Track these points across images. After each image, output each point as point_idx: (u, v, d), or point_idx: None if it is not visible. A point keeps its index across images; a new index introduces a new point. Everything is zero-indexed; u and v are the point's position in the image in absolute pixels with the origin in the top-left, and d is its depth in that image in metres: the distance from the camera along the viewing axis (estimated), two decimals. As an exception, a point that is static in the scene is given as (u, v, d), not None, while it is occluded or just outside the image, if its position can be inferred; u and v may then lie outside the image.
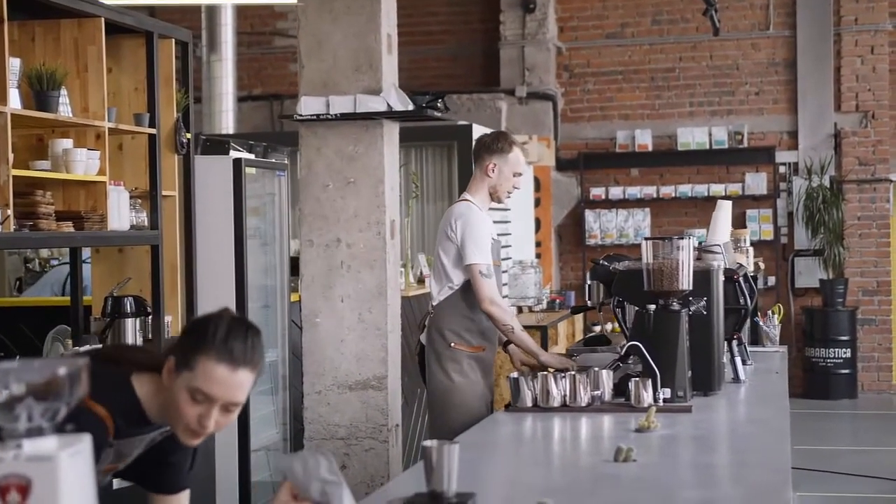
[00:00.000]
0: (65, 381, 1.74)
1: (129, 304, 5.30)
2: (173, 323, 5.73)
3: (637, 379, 4.10)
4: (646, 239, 4.32)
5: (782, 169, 12.38)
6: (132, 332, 5.28)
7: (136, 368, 2.64)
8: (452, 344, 5.07)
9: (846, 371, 11.91)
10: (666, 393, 4.15)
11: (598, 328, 9.95)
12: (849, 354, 11.90)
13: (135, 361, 2.66)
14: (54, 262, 8.09)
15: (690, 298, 4.34)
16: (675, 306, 4.27)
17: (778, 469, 3.06)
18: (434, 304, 5.17)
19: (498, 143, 5.16)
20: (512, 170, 5.14)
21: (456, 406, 5.04)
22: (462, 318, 5.08)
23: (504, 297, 9.40)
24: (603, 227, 12.55)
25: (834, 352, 11.87)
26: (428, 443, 2.69)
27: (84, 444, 1.75)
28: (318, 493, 2.34)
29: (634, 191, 12.49)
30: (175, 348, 2.58)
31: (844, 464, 8.82)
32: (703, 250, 5.04)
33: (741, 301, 4.87)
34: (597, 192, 12.57)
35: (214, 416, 2.52)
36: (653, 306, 4.26)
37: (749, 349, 5.63)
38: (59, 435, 1.74)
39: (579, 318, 10.66)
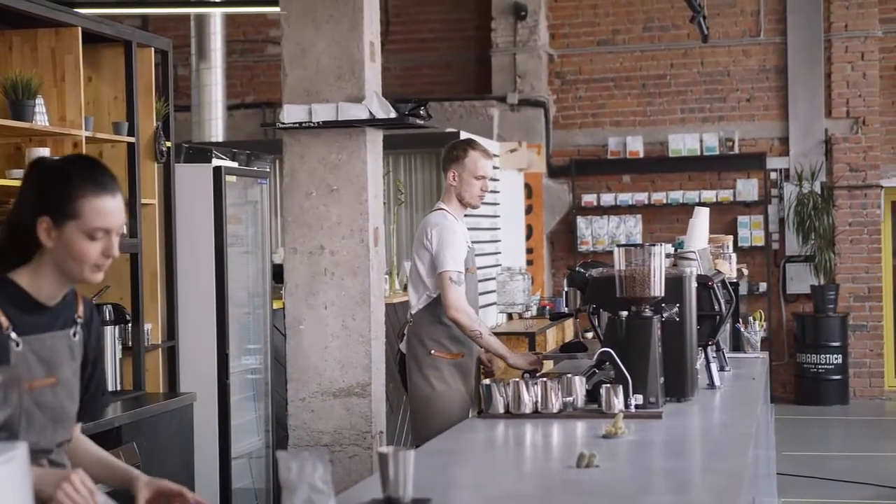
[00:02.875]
0: (-2, 388, 1.75)
1: (108, 312, 5.31)
2: (153, 331, 5.74)
3: (608, 385, 4.11)
4: (618, 246, 4.34)
5: (773, 175, 12.39)
6: (111, 339, 5.29)
7: (6, 272, 2.68)
8: (432, 351, 5.12)
9: (837, 377, 11.91)
10: (638, 399, 4.16)
11: (590, 335, 9.96)
12: (840, 360, 11.90)
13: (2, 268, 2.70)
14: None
15: (663, 305, 4.35)
16: (647, 313, 4.28)
17: (734, 474, 3.07)
18: (413, 312, 5.22)
19: (454, 151, 5.26)
20: (472, 174, 5.20)
21: (437, 413, 5.07)
22: (441, 325, 5.13)
23: (492, 303, 9.51)
24: (595, 233, 12.56)
25: (825, 358, 11.87)
26: (383, 449, 2.71)
27: (19, 451, 1.77)
28: (304, 500, 2.34)
29: (626, 197, 12.51)
30: (41, 208, 2.63)
31: (834, 469, 8.82)
32: (678, 257, 5.06)
33: (716, 307, 4.88)
34: (588, 198, 12.59)
35: (115, 243, 2.66)
36: (625, 313, 4.27)
37: (730, 356, 5.64)
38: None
39: (570, 324, 10.67)
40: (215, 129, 10.73)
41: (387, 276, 7.92)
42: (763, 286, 12.20)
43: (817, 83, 12.27)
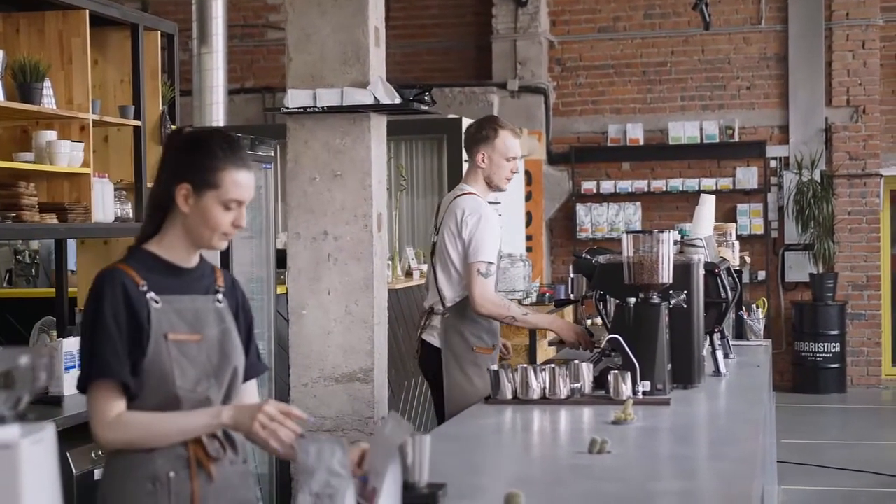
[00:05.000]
0: (27, 370, 1.75)
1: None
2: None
3: (616, 372, 4.12)
4: (626, 232, 4.34)
5: (773, 163, 12.40)
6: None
7: (142, 243, 2.84)
8: (474, 348, 4.97)
9: (835, 365, 11.94)
10: (645, 386, 4.16)
11: (589, 322, 9.96)
12: (838, 349, 11.93)
13: (139, 240, 2.85)
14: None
15: (671, 292, 4.35)
16: (655, 299, 4.28)
17: (747, 460, 3.08)
18: (448, 305, 5.02)
19: (482, 130, 5.03)
20: (502, 156, 4.99)
21: None
22: (480, 319, 4.96)
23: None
24: (594, 220, 12.58)
25: (823, 346, 11.90)
26: (400, 434, 2.71)
27: (48, 432, 1.77)
28: (322, 483, 2.34)
29: (626, 185, 12.52)
30: (182, 175, 2.77)
31: (831, 457, 8.85)
32: (685, 244, 5.06)
33: (722, 295, 4.88)
34: (588, 185, 12.60)
35: (244, 215, 2.82)
36: (633, 299, 4.27)
37: (733, 343, 5.64)
38: (22, 423, 1.76)
39: (569, 311, 10.69)
40: (216, 113, 10.64)
41: (389, 262, 7.91)
42: (762, 274, 12.22)
43: (818, 71, 12.27)
